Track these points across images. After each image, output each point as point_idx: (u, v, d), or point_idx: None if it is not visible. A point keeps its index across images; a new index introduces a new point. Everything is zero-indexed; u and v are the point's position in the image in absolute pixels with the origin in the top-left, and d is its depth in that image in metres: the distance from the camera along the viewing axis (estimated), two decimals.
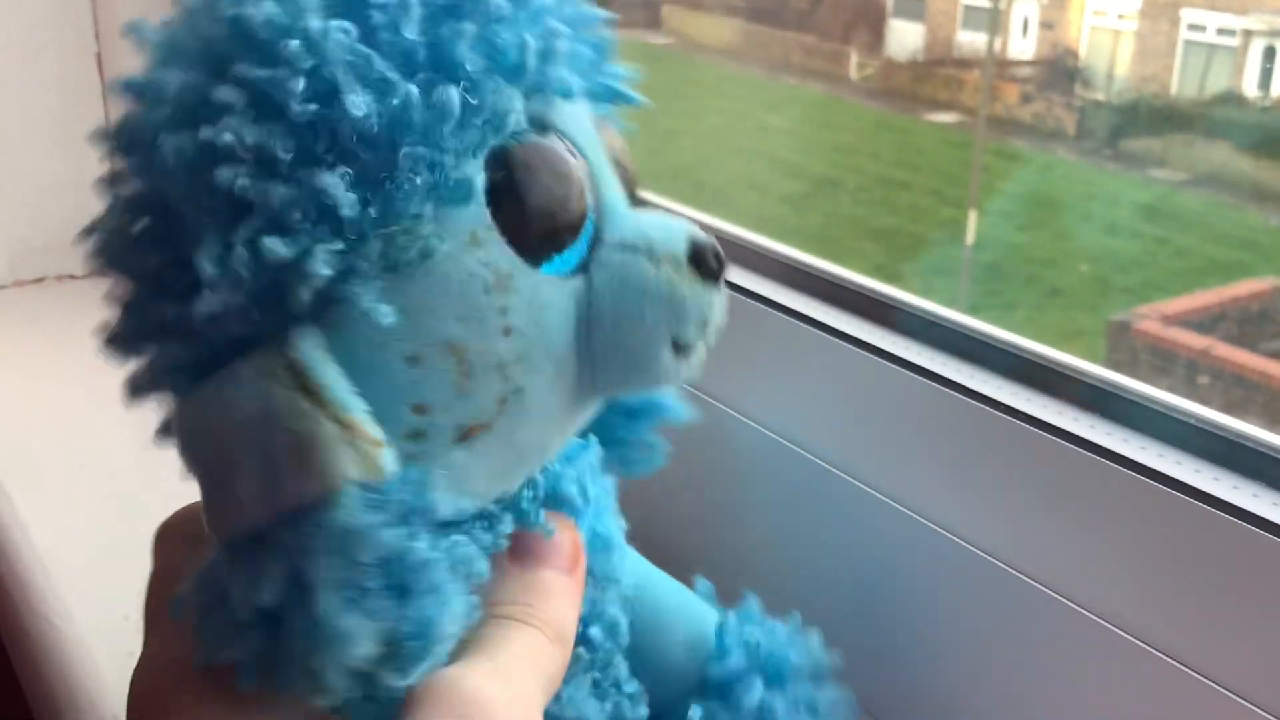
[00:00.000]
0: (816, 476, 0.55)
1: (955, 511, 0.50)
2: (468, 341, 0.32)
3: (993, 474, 0.48)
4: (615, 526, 0.41)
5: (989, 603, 0.48)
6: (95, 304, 0.33)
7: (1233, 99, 10.22)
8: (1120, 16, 11.21)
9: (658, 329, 0.36)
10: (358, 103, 0.29)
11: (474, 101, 0.31)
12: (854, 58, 11.86)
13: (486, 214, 0.33)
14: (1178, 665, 0.42)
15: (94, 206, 0.34)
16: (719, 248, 0.38)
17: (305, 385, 0.29)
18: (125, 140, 0.32)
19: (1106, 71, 11.30)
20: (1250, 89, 10.43)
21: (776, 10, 13.83)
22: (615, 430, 0.43)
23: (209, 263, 0.29)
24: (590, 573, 0.38)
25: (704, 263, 0.37)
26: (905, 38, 12.75)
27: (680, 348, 0.37)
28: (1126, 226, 8.20)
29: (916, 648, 0.52)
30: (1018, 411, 0.48)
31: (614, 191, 0.37)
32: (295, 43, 0.29)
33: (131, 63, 0.33)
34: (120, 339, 0.33)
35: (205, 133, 0.28)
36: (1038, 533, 0.47)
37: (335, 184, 0.29)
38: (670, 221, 0.37)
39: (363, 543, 0.28)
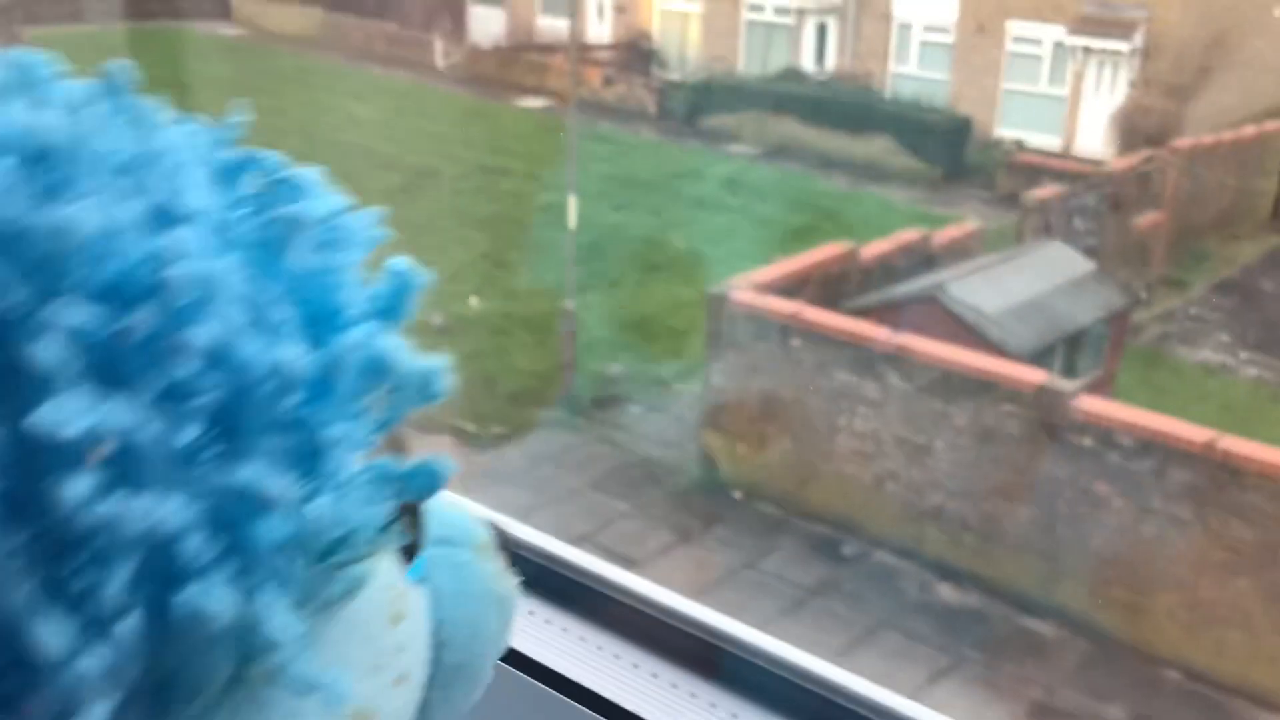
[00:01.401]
0: None
1: None
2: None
3: None
4: None
5: None
6: None
7: (793, 74, 11.03)
8: None
9: (497, 641, 0.36)
10: None
11: None
12: (439, 45, 11.80)
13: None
14: None
15: None
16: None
17: None
18: None
19: (679, 53, 11.90)
20: (808, 64, 11.30)
21: None
22: None
23: None
24: None
25: (507, 547, 0.37)
26: (488, 24, 12.84)
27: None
28: (712, 200, 8.69)
29: None
30: None
31: None
32: None
33: None
34: None
35: None
36: None
37: None
38: (452, 499, 0.37)
39: None
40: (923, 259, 6.47)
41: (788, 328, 5.50)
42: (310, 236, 0.30)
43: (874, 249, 6.47)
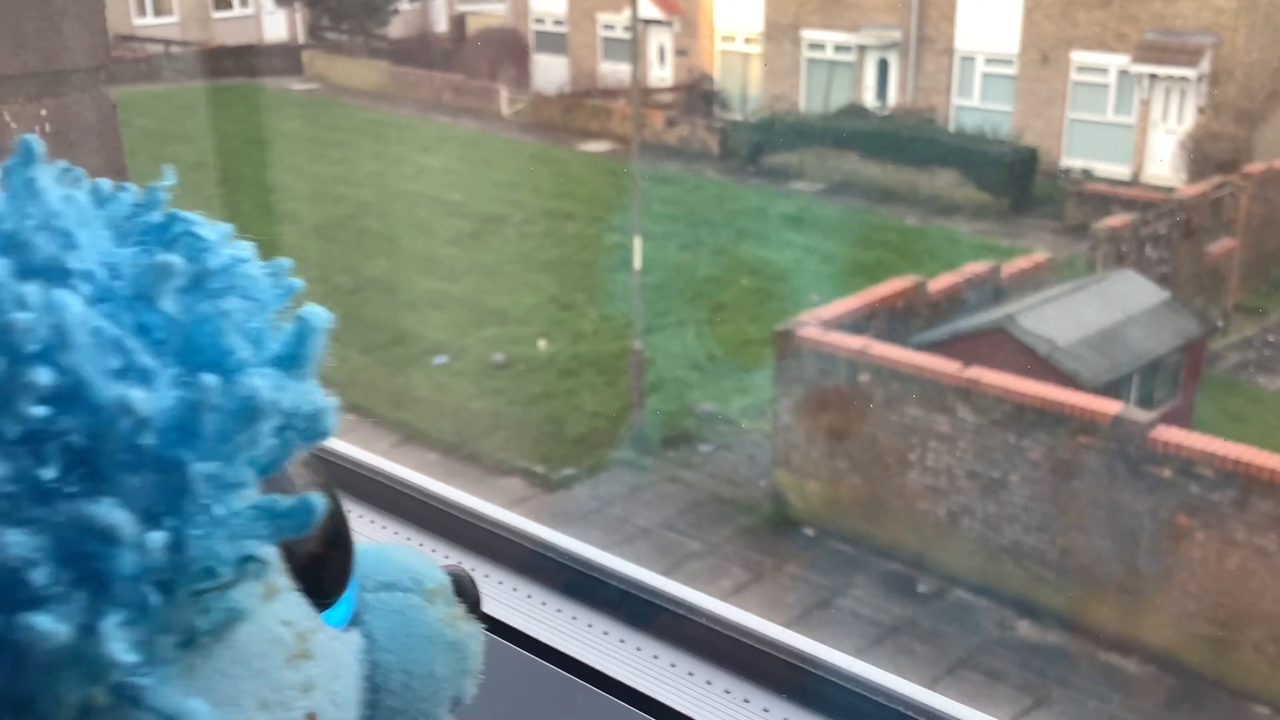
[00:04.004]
0: None
1: None
2: None
3: None
4: None
5: None
6: None
7: (855, 110, 11.03)
8: (747, 40, 11.90)
9: (446, 685, 0.35)
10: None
11: None
12: (504, 94, 11.97)
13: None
14: None
15: None
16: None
17: None
18: None
19: (740, 94, 11.95)
20: (869, 100, 11.29)
21: (421, 51, 13.77)
22: None
23: None
24: None
25: (468, 594, 0.37)
26: (551, 72, 13.01)
27: (456, 704, 0.36)
28: (777, 238, 8.70)
29: None
30: None
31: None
32: None
33: None
34: None
35: None
36: None
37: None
38: (408, 548, 0.37)
39: None
40: (992, 291, 6.41)
41: (856, 363, 5.48)
42: (192, 285, 0.32)
43: (942, 282, 6.43)
